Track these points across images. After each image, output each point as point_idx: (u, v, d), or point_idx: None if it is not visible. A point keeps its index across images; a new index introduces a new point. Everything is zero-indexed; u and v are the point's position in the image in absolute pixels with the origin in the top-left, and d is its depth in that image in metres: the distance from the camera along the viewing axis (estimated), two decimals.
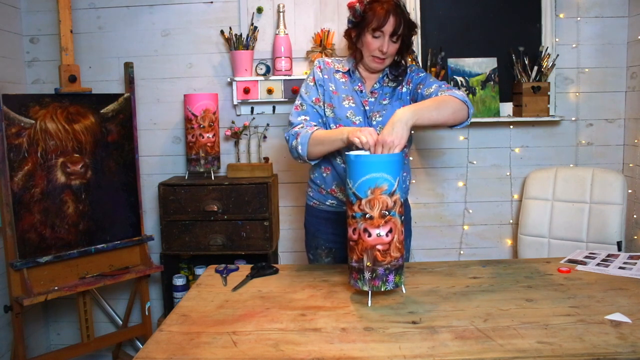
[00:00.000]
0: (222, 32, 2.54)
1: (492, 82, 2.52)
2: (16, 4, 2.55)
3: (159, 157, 2.67)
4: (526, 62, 2.46)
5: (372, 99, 1.74)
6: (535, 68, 2.46)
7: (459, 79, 2.51)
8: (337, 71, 1.77)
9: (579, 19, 2.52)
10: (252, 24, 2.49)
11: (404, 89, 1.76)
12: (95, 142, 2.20)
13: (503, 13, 2.51)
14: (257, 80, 2.50)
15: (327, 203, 1.82)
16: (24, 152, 2.01)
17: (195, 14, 2.58)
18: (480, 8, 2.51)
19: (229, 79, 2.56)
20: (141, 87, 2.60)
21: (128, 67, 2.33)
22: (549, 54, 2.47)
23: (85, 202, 2.17)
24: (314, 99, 1.73)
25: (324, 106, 1.74)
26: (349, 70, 1.76)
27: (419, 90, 1.71)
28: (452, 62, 2.52)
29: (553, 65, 2.47)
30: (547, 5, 2.49)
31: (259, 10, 2.54)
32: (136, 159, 2.34)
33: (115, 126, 2.27)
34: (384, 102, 1.74)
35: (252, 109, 2.58)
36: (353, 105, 1.73)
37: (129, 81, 2.33)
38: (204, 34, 2.59)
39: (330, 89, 1.75)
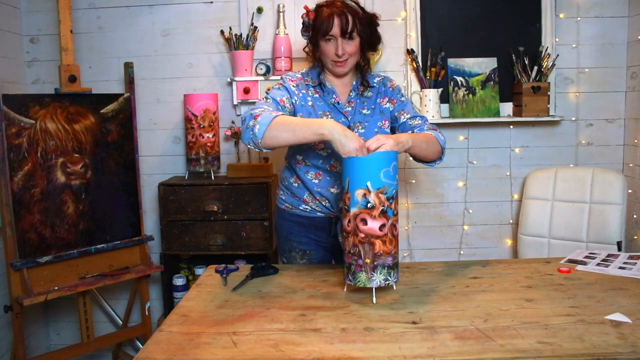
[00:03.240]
0: (222, 32, 2.54)
1: (492, 82, 2.52)
2: (16, 4, 2.55)
3: (159, 157, 2.67)
4: (526, 62, 2.47)
5: (350, 109, 1.71)
6: (535, 68, 2.46)
7: (459, 79, 2.52)
8: (309, 86, 1.72)
9: (579, 19, 2.52)
10: (252, 24, 2.49)
11: (387, 105, 1.74)
12: (95, 142, 2.20)
13: (503, 13, 2.52)
14: (257, 80, 2.50)
15: (301, 208, 1.79)
16: (24, 152, 2.01)
17: (195, 14, 2.58)
18: (480, 8, 2.51)
19: (229, 79, 2.56)
20: (141, 87, 2.60)
21: (128, 67, 2.33)
22: (549, 54, 2.47)
23: (85, 202, 2.17)
24: (279, 98, 1.62)
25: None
26: (319, 83, 1.71)
27: (402, 119, 1.72)
28: (452, 62, 2.52)
29: (553, 65, 2.47)
30: (547, 5, 2.49)
31: (259, 10, 2.54)
32: (136, 159, 2.33)
33: (115, 126, 2.27)
34: (364, 112, 1.72)
35: None
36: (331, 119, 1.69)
37: (129, 81, 2.33)
38: (204, 34, 2.59)
39: (309, 103, 1.69)
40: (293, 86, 1.69)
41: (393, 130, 1.77)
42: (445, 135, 2.51)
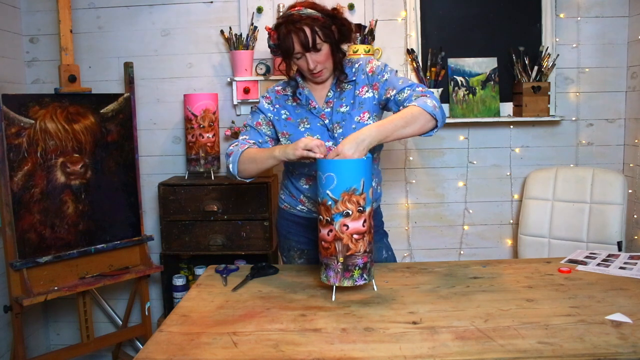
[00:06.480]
0: (222, 32, 2.54)
1: (492, 82, 2.52)
2: (16, 4, 2.55)
3: (158, 157, 2.67)
4: (526, 62, 2.46)
5: (328, 109, 1.67)
6: (536, 68, 2.45)
7: (459, 79, 2.51)
8: (287, 96, 1.71)
9: (579, 18, 2.52)
10: (252, 24, 2.49)
11: (368, 94, 1.65)
12: (95, 142, 2.20)
13: (503, 13, 2.52)
14: (257, 80, 2.49)
15: (298, 208, 1.79)
16: (24, 152, 2.01)
17: (195, 14, 2.58)
18: (480, 8, 2.51)
19: (229, 79, 2.56)
20: (141, 87, 2.60)
21: (128, 67, 2.33)
22: (549, 54, 2.47)
23: (85, 202, 2.17)
24: (255, 122, 1.71)
25: (278, 135, 1.71)
26: (295, 93, 1.69)
27: (390, 96, 1.60)
28: (452, 62, 2.52)
29: (553, 65, 2.47)
30: (547, 5, 2.49)
31: (259, 10, 2.54)
32: (136, 159, 2.33)
33: (115, 126, 2.27)
34: (342, 110, 1.65)
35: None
36: (308, 125, 1.67)
37: (129, 81, 2.32)
38: (204, 34, 2.59)
39: (284, 116, 1.70)
40: (267, 104, 1.73)
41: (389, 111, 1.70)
42: (445, 135, 2.50)
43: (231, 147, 1.66)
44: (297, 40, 1.53)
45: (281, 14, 1.62)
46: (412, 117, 1.48)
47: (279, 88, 1.75)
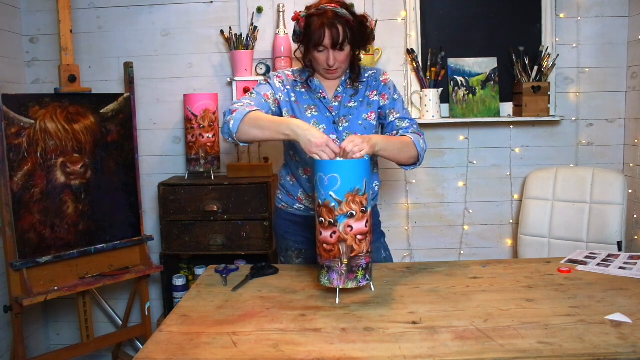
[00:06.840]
0: (222, 32, 2.54)
1: (492, 82, 2.52)
2: (16, 4, 2.55)
3: (158, 157, 2.67)
4: (526, 62, 2.46)
5: (336, 103, 1.71)
6: (536, 68, 2.45)
7: (459, 79, 2.51)
8: (297, 82, 1.74)
9: (579, 18, 2.52)
10: (252, 24, 2.49)
11: (376, 97, 1.72)
12: (95, 142, 2.20)
13: (503, 13, 2.51)
14: (257, 80, 2.48)
15: (295, 207, 1.80)
16: (24, 152, 2.01)
17: (195, 14, 2.58)
18: (480, 8, 2.51)
19: (228, 79, 2.56)
20: (141, 87, 2.60)
21: (128, 67, 2.33)
22: (549, 54, 2.47)
23: (85, 202, 2.17)
24: (263, 93, 1.67)
25: (282, 113, 1.70)
26: (307, 80, 1.72)
27: (391, 117, 1.71)
28: (452, 62, 2.52)
29: (553, 65, 2.47)
30: (547, 5, 2.49)
31: (259, 10, 2.54)
32: (136, 159, 2.33)
33: (115, 126, 2.27)
34: (350, 105, 1.71)
35: None
36: (316, 113, 1.70)
37: (129, 81, 2.32)
38: (204, 34, 2.59)
39: (292, 99, 1.71)
40: (278, 82, 1.72)
41: (383, 126, 1.77)
42: (445, 135, 2.52)
43: (235, 105, 1.58)
44: (329, 35, 1.57)
45: (314, 5, 1.64)
46: (407, 147, 1.62)
47: (289, 73, 1.76)
